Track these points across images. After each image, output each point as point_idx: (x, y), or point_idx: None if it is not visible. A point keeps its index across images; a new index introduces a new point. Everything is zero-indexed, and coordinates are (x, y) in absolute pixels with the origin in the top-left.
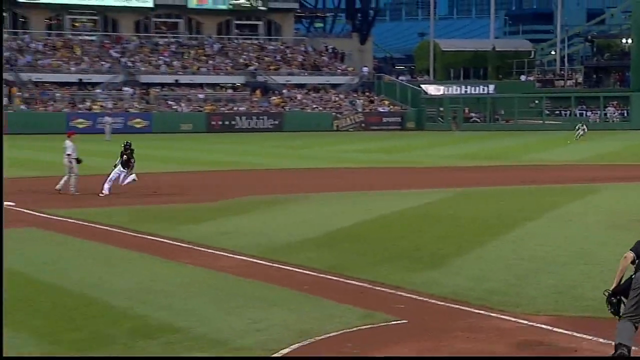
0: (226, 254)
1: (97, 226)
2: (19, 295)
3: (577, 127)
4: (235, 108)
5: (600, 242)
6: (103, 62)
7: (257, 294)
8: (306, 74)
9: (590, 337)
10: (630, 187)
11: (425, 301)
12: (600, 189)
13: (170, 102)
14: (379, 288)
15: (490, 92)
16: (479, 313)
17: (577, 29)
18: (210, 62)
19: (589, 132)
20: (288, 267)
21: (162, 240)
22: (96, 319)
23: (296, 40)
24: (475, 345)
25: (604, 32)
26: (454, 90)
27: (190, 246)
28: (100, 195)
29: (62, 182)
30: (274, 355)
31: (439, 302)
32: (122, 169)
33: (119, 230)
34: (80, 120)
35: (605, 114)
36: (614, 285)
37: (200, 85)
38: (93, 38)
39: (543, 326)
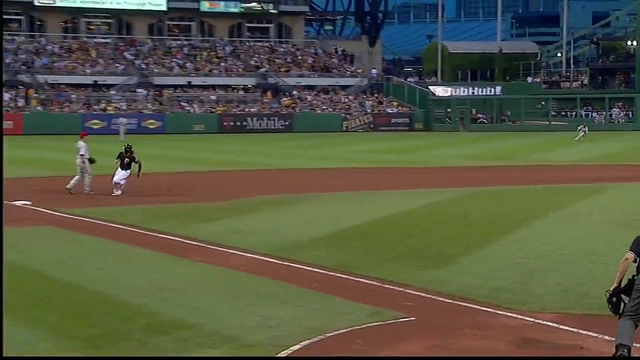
0: (237, 252)
1: (111, 225)
2: (35, 292)
3: (578, 129)
4: (246, 109)
5: (606, 241)
6: (117, 64)
7: (268, 291)
8: (316, 76)
9: (596, 335)
10: (635, 187)
11: (433, 299)
12: (606, 189)
13: (183, 104)
14: (387, 286)
15: (497, 93)
16: (486, 311)
17: (583, 31)
18: (222, 64)
19: (592, 133)
20: (298, 265)
21: (174, 238)
22: (111, 315)
23: (306, 43)
24: (482, 343)
25: (609, 34)
26: (462, 91)
27: (202, 244)
28: (114, 194)
29: (72, 181)
30: (281, 354)
31: (447, 300)
32: (121, 170)
33: (132, 229)
34: (95, 121)
35: (611, 115)
36: (614, 286)
37: (213, 87)
38: (108, 41)
39: (549, 324)
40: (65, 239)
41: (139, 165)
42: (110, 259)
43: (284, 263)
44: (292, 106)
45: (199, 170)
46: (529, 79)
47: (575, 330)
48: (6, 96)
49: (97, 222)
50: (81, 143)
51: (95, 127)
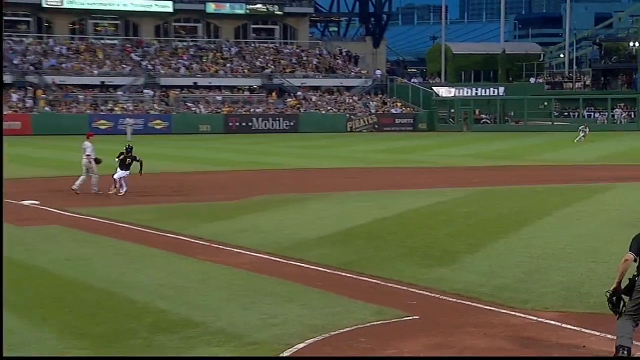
0: (243, 251)
1: (119, 224)
2: (44, 291)
3: (579, 129)
4: (252, 110)
5: (609, 240)
6: (124, 65)
7: (273, 290)
8: (321, 77)
9: (598, 333)
10: (638, 187)
11: (436, 297)
12: (608, 189)
13: (189, 104)
14: (391, 284)
15: (500, 94)
16: (489, 309)
17: (586, 32)
18: (228, 65)
19: (595, 133)
20: (303, 264)
21: (181, 237)
22: (118, 313)
23: (311, 44)
24: (485, 341)
25: (611, 35)
26: (465, 92)
27: (208, 243)
28: (119, 194)
29: (78, 182)
30: (285, 352)
31: (450, 299)
32: (121, 169)
33: (139, 228)
34: (103, 121)
35: (613, 116)
36: (614, 286)
37: (218, 88)
38: (115, 42)
39: (551, 322)
40: (73, 238)
41: (140, 164)
42: (117, 257)
43: (289, 262)
44: (297, 107)
45: (205, 170)
46: (532, 80)
47: (577, 328)
48: (14, 97)
49: (105, 221)
50: (87, 143)
51: (103, 127)
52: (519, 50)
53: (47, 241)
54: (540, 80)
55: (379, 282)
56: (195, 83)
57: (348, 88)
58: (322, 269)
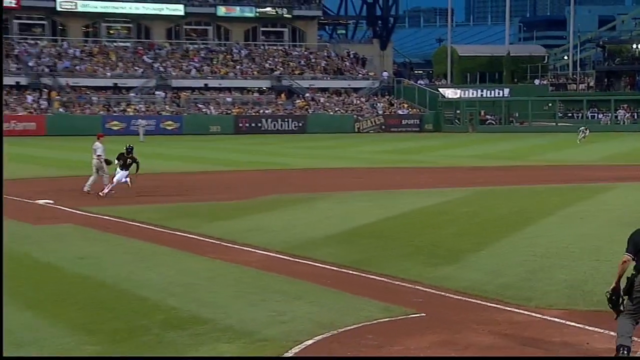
0: (252, 250)
1: (130, 223)
2: (58, 288)
3: (578, 130)
4: (261, 111)
5: (611, 239)
6: (137, 68)
7: (281, 287)
8: (329, 78)
9: (602, 331)
10: (639, 187)
11: (442, 295)
12: (611, 188)
13: (200, 105)
14: (398, 282)
15: (505, 95)
16: (493, 307)
17: (589, 34)
18: (238, 67)
19: (598, 134)
20: (311, 262)
21: (191, 236)
22: (129, 310)
23: (319, 46)
24: (490, 338)
25: (614, 37)
26: (471, 93)
27: (217, 242)
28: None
29: (89, 182)
30: (294, 349)
31: (456, 296)
32: (120, 170)
33: (150, 227)
34: (115, 122)
35: (616, 117)
36: (613, 285)
37: (229, 89)
38: (127, 44)
39: (555, 320)
40: (86, 236)
41: (137, 165)
42: (129, 256)
43: (297, 260)
44: (305, 108)
45: (215, 170)
46: (537, 82)
47: (581, 326)
48: (29, 98)
49: (117, 220)
50: (98, 144)
51: (115, 128)
52: (523, 53)
53: (61, 240)
54: (545, 82)
55: (385, 280)
56: (206, 85)
57: (356, 89)
58: (330, 267)
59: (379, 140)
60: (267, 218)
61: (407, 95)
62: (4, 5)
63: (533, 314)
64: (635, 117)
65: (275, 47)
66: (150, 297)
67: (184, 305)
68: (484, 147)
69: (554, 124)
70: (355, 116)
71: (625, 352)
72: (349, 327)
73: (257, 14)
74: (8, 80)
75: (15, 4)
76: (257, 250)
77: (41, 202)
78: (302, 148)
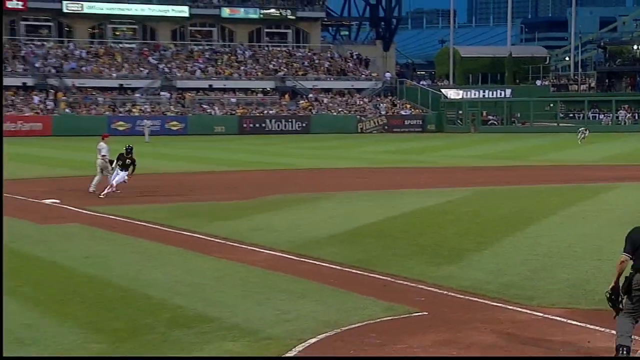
0: (257, 249)
1: (136, 222)
2: (65, 287)
3: (578, 131)
4: (265, 111)
5: (613, 238)
6: (142, 69)
7: (286, 286)
8: (332, 79)
9: (603, 329)
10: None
11: (445, 294)
12: (612, 188)
13: (204, 106)
14: (401, 281)
15: (507, 96)
16: (496, 305)
17: (590, 36)
18: (242, 68)
19: (600, 135)
20: (315, 262)
21: (197, 235)
22: (135, 309)
23: (323, 47)
24: (492, 337)
25: (615, 39)
26: (473, 94)
27: (223, 241)
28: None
29: (94, 182)
30: (298, 347)
31: (458, 295)
32: (119, 170)
33: (156, 226)
34: (121, 123)
35: (617, 117)
36: (612, 285)
37: (233, 90)
38: (133, 46)
39: (557, 318)
40: (91, 236)
41: (134, 166)
42: (135, 255)
43: (302, 259)
44: (309, 108)
45: (219, 170)
46: (538, 82)
47: (583, 324)
48: (36, 99)
49: (123, 219)
50: (103, 144)
51: (121, 128)
52: (525, 54)
53: (67, 239)
54: (546, 83)
55: (389, 279)
56: (210, 85)
57: (359, 90)
58: (334, 267)
59: (381, 140)
60: (272, 218)
61: (410, 96)
62: (11, 7)
63: (535, 313)
64: (636, 117)
65: (279, 48)
66: (156, 296)
67: (190, 304)
68: (486, 148)
69: (556, 124)
70: (358, 117)
71: (625, 352)
72: (352, 326)
73: (261, 16)
74: (15, 81)
75: (22, 6)
76: (262, 250)
77: (48, 201)
78: (306, 148)
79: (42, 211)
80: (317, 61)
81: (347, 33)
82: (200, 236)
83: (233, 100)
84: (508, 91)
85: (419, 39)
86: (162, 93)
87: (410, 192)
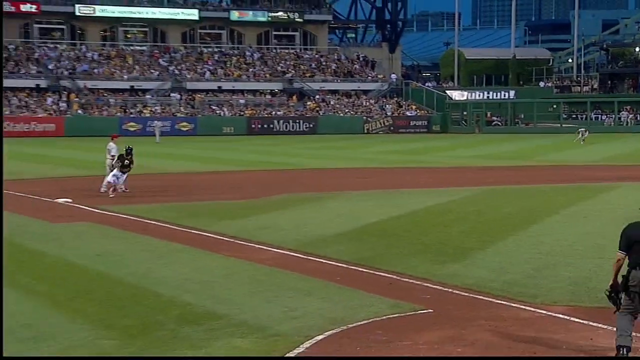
0: (264, 247)
1: (146, 221)
2: (76, 285)
3: (578, 131)
4: (273, 112)
5: (615, 237)
6: (153, 70)
7: (293, 284)
8: (339, 81)
9: (605, 327)
10: None
11: (449, 292)
12: (614, 188)
13: (213, 107)
14: (406, 279)
15: (511, 97)
16: (500, 303)
17: (593, 38)
18: (251, 70)
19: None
20: (322, 260)
21: (205, 234)
22: (145, 306)
23: (330, 50)
24: (496, 334)
25: (618, 41)
26: (477, 95)
27: (231, 240)
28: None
29: (105, 182)
30: (305, 344)
31: (463, 293)
32: (118, 171)
33: (166, 225)
34: (132, 123)
35: (619, 118)
36: (610, 282)
37: (242, 92)
38: (144, 48)
39: (560, 316)
40: (103, 234)
41: (130, 167)
42: (145, 253)
43: (309, 257)
44: (316, 109)
45: (228, 169)
46: (542, 84)
47: (585, 322)
48: (49, 100)
49: (134, 218)
50: (112, 144)
51: (132, 129)
52: (529, 56)
53: (79, 237)
54: (550, 84)
55: (394, 277)
56: (219, 87)
57: (365, 92)
58: (341, 265)
59: (387, 141)
60: (280, 217)
61: (415, 97)
62: (25, 10)
63: (538, 311)
64: (638, 118)
65: (287, 51)
66: (166, 294)
67: (199, 302)
68: (490, 148)
69: (559, 125)
70: (364, 117)
71: (625, 352)
72: (358, 323)
73: (270, 19)
74: (29, 83)
75: (36, 9)
76: (270, 248)
77: (60, 200)
78: (313, 149)
79: (55, 210)
80: (324, 63)
81: (353, 35)
82: (209, 235)
83: (242, 101)
84: (512, 92)
85: (424, 41)
86: (172, 94)
87: (415, 191)
